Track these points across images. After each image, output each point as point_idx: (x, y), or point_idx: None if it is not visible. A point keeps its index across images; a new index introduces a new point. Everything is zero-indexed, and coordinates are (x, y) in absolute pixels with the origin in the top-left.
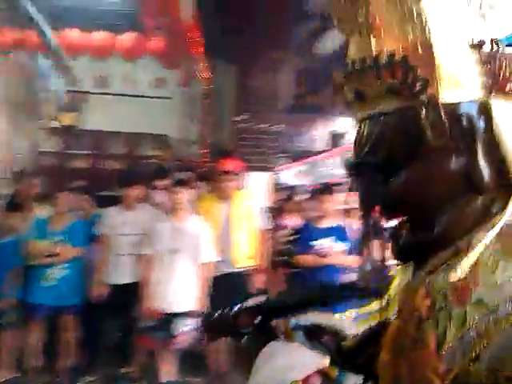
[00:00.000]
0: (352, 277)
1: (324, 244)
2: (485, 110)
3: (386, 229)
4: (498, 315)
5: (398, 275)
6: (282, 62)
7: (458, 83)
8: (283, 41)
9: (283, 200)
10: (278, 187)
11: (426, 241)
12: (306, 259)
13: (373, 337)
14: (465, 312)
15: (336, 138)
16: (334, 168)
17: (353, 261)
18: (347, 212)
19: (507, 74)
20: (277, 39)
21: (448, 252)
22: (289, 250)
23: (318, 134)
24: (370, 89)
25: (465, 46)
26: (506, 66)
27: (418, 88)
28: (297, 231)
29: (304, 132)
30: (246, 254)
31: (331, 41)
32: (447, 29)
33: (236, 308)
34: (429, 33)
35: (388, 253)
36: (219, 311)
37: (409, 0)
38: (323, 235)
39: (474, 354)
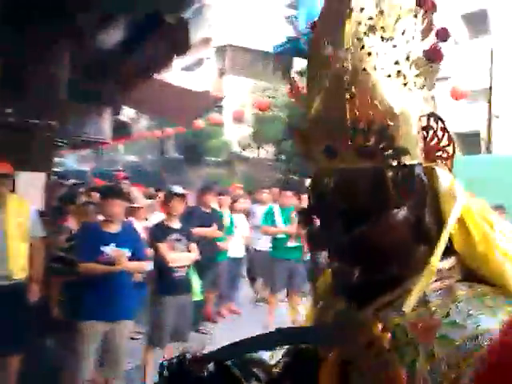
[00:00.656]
0: None
1: (112, 249)
2: (429, 171)
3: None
4: (465, 350)
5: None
6: (58, 51)
7: (413, 149)
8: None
9: (65, 201)
10: (59, 182)
11: (378, 282)
12: (93, 267)
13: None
14: (432, 347)
15: (119, 127)
16: (118, 156)
17: (139, 266)
18: (133, 212)
19: (435, 144)
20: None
21: (396, 292)
22: (69, 258)
23: (101, 122)
24: (341, 147)
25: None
26: (436, 138)
27: (390, 154)
28: (79, 236)
29: (86, 121)
30: (23, 264)
31: (112, 32)
32: (412, 104)
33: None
34: (400, 105)
35: None
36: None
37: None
38: (111, 240)
39: None
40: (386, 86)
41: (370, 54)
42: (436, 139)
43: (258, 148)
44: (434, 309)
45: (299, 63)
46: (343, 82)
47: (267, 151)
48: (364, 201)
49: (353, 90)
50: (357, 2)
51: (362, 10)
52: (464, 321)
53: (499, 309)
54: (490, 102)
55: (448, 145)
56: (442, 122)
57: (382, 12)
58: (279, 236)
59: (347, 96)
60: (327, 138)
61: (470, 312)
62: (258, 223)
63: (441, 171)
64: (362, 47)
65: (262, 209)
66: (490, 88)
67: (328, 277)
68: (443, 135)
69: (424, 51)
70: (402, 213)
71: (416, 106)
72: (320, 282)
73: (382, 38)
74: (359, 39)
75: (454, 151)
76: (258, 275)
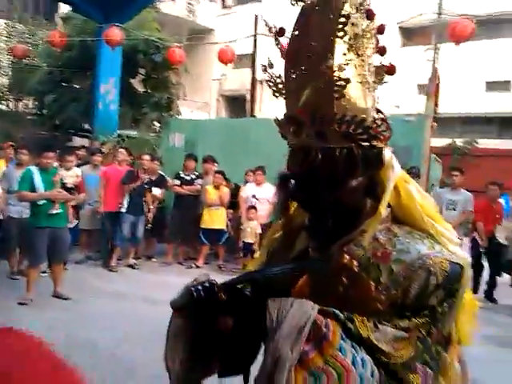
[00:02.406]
0: None
1: None
2: (378, 151)
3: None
4: (414, 267)
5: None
6: None
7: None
8: None
9: None
10: None
11: (343, 227)
12: None
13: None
14: (390, 266)
15: None
16: None
17: None
18: None
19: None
20: None
21: (355, 233)
22: None
23: None
24: (331, 132)
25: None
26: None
27: (364, 138)
28: None
29: None
30: None
31: None
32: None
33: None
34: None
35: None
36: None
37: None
38: None
39: (401, 290)
40: (360, 89)
41: (347, 64)
42: (376, 126)
43: (17, 100)
44: (383, 242)
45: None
46: (333, 85)
47: (27, 105)
48: (341, 169)
49: (342, 92)
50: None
51: (344, 31)
52: (407, 248)
53: (424, 239)
54: (253, 67)
55: (385, 130)
56: (382, 113)
57: (356, 35)
58: (40, 202)
59: (336, 95)
60: (320, 127)
61: (408, 242)
62: (13, 187)
63: (387, 150)
64: (345, 60)
65: (18, 171)
66: (254, 53)
67: (275, 230)
68: (381, 123)
69: (383, 65)
70: (363, 179)
71: (373, 104)
72: (269, 233)
73: (357, 54)
74: (344, 54)
75: (390, 135)
76: (13, 246)
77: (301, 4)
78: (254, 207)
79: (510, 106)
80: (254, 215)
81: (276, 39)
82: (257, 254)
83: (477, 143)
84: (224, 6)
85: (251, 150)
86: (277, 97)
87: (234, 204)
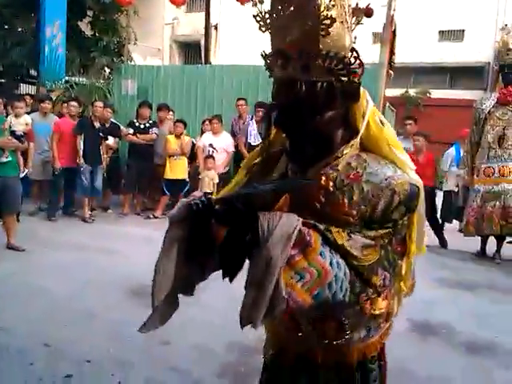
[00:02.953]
0: None
1: None
2: (356, 85)
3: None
4: (381, 187)
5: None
6: None
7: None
8: None
9: None
10: None
11: (320, 152)
12: None
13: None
14: (362, 186)
15: None
16: None
17: None
18: None
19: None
20: None
21: (331, 158)
22: None
23: None
24: (315, 66)
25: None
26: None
27: (344, 73)
28: None
29: None
30: None
31: None
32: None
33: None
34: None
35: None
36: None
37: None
38: None
39: (370, 206)
40: (341, 29)
41: (334, 6)
42: (353, 62)
43: None
44: (354, 166)
45: None
46: (320, 23)
47: None
48: (321, 101)
49: (328, 30)
50: None
51: None
52: (376, 171)
53: (388, 165)
54: (207, 10)
55: (359, 67)
56: (356, 52)
57: None
58: None
59: (322, 33)
60: (301, 57)
61: (376, 167)
62: None
63: (361, 87)
64: (330, 1)
65: None
66: None
67: (253, 155)
68: (355, 61)
69: (360, 7)
70: (340, 110)
71: (350, 43)
72: (248, 158)
73: None
74: None
75: (362, 72)
76: None
77: None
78: (211, 156)
79: (462, 55)
80: (212, 165)
81: None
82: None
83: (429, 94)
84: None
85: (206, 98)
86: (263, 31)
87: (191, 154)
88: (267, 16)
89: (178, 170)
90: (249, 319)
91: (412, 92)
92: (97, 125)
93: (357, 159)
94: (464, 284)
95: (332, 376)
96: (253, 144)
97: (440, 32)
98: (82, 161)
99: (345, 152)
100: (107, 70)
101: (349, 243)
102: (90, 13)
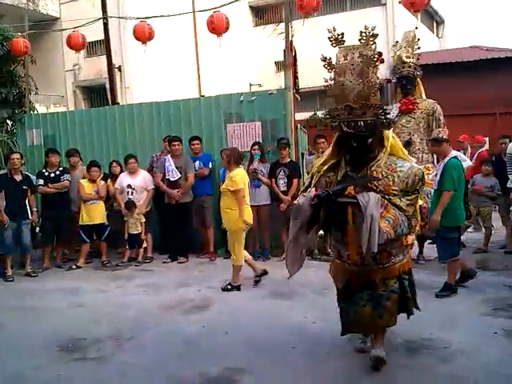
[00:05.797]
0: None
1: None
2: (388, 120)
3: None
4: (407, 174)
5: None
6: None
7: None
8: None
9: None
10: None
11: (369, 160)
12: None
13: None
14: (398, 174)
15: None
16: None
17: None
18: None
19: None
20: None
21: (375, 161)
22: None
23: None
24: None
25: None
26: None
27: (382, 113)
28: None
29: None
30: None
31: None
32: None
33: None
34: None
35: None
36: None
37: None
38: None
39: (404, 183)
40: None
41: (375, 75)
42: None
43: None
44: (389, 163)
45: None
46: (373, 88)
47: None
48: (372, 131)
49: (376, 92)
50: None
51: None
52: (402, 165)
53: (405, 161)
54: (108, 52)
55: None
56: (381, 102)
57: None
58: None
59: (373, 94)
60: (361, 107)
61: (400, 162)
62: None
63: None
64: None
65: None
66: (107, 38)
67: (320, 162)
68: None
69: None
70: (379, 135)
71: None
72: (317, 164)
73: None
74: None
75: (388, 113)
76: None
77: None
78: (133, 205)
79: None
80: (135, 209)
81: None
82: (145, 244)
83: None
84: None
85: (117, 138)
86: (331, 96)
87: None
88: (336, 83)
89: (95, 214)
90: (368, 252)
91: (320, 114)
92: (18, 178)
93: (388, 159)
94: None
95: (382, 287)
96: (172, 180)
97: None
98: (5, 218)
99: (381, 156)
100: (9, 123)
101: (401, 203)
102: None
